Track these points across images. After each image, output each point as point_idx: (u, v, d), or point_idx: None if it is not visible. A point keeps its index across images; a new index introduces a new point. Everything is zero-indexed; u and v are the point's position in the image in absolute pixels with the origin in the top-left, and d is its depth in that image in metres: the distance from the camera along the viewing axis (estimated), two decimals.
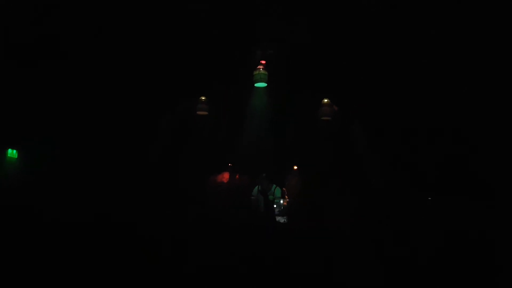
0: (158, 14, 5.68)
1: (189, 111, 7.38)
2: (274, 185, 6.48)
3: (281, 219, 6.06)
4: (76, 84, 6.41)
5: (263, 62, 6.88)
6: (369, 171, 6.46)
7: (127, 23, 5.80)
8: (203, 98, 7.29)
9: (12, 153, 6.53)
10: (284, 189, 6.33)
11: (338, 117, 7.02)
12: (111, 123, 6.68)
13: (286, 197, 6.19)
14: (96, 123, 6.65)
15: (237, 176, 7.37)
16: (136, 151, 6.75)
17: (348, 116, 7.02)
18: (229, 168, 7.26)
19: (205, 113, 7.30)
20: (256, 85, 6.93)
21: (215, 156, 7.24)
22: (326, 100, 7.22)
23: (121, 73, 6.42)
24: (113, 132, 6.67)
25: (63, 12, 5.50)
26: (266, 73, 6.82)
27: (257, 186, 6.47)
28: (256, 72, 6.83)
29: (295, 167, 7.08)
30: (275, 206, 6.33)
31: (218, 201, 6.75)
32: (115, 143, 6.65)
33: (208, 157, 7.25)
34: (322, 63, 6.44)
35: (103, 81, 6.46)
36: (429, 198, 6.15)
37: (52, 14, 5.55)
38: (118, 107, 6.68)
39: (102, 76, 6.41)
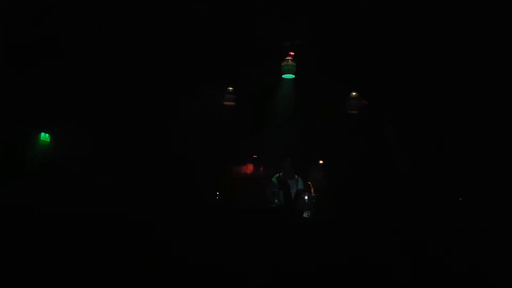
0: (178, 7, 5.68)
1: (215, 102, 7.38)
2: (297, 176, 6.33)
3: (305, 214, 5.96)
4: (96, 78, 6.50)
5: (292, 53, 6.77)
6: (398, 166, 6.28)
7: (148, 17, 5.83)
8: (231, 88, 7.27)
9: (45, 136, 6.72)
10: (309, 182, 6.21)
11: (367, 111, 6.85)
12: (138, 115, 6.76)
13: (312, 191, 6.07)
14: (121, 116, 6.75)
15: (261, 169, 7.35)
16: (158, 143, 6.81)
17: (378, 110, 6.84)
18: (253, 160, 7.25)
19: (232, 103, 7.29)
20: (283, 76, 6.84)
21: (239, 148, 7.23)
22: (354, 94, 7.07)
23: (147, 66, 6.47)
24: (138, 123, 6.74)
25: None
26: (295, 64, 6.71)
27: (277, 174, 6.32)
28: (284, 64, 6.74)
29: (321, 161, 6.97)
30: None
31: (242, 193, 6.74)
32: (139, 135, 6.73)
33: (232, 149, 7.25)
34: (351, 55, 6.28)
35: (127, 75, 6.53)
36: (460, 199, 5.94)
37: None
38: (143, 99, 6.75)
39: (125, 70, 6.47)
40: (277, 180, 6.11)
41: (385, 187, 6.08)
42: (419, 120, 6.38)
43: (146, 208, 4.85)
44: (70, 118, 6.68)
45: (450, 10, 5.09)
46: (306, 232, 4.83)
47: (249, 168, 7.31)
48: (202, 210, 5.14)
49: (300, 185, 6.23)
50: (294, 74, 6.76)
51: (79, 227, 4.24)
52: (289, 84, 7.04)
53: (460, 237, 4.21)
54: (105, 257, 3.89)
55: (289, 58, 6.74)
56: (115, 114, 6.75)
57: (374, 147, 6.70)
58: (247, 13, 5.64)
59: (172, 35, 6.13)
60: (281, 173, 6.24)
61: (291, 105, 7.10)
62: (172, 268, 3.87)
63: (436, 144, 6.30)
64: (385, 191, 6.03)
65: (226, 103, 7.36)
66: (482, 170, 5.84)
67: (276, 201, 5.92)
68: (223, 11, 5.68)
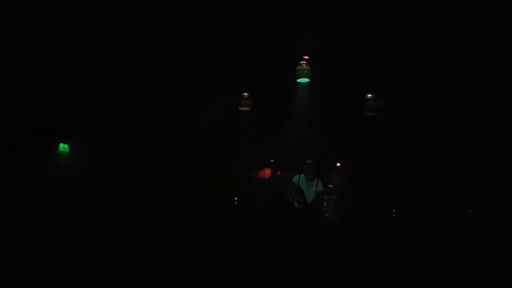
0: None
1: (231, 107, 7.42)
2: (317, 179, 6.32)
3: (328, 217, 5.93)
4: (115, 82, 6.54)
5: (306, 57, 6.80)
6: (419, 168, 6.26)
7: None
8: (246, 94, 7.31)
9: (64, 147, 6.76)
10: (330, 185, 6.21)
11: (385, 112, 6.84)
12: (151, 121, 6.80)
13: (334, 195, 6.06)
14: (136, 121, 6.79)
15: (278, 173, 7.35)
16: (175, 148, 6.84)
17: (397, 110, 6.83)
18: (271, 164, 7.26)
19: (248, 108, 7.32)
20: (298, 80, 6.86)
21: (256, 152, 7.25)
22: (370, 95, 7.07)
23: (164, 71, 6.51)
24: (154, 129, 6.78)
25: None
26: (309, 68, 6.73)
27: (297, 175, 6.28)
28: (298, 68, 6.77)
29: (338, 164, 6.96)
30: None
31: (259, 197, 6.74)
32: (156, 140, 6.77)
33: (249, 153, 7.27)
34: (368, 55, 6.28)
35: (144, 82, 6.57)
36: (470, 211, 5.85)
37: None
38: (159, 104, 6.79)
39: (142, 77, 6.51)
40: (295, 184, 6.13)
41: (405, 187, 6.06)
42: (438, 120, 6.35)
43: (166, 212, 4.89)
44: (88, 127, 6.73)
45: (470, 10, 5.09)
46: (327, 235, 4.83)
47: (267, 172, 7.32)
48: (221, 214, 5.17)
49: (320, 188, 6.22)
50: (309, 78, 6.79)
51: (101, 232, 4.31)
52: (305, 87, 7.06)
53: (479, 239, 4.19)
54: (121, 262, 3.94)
55: (304, 62, 6.77)
56: (133, 121, 6.79)
57: (392, 148, 6.68)
58: (265, 15, 5.66)
59: (187, 42, 6.18)
60: (301, 174, 6.24)
61: (308, 107, 7.13)
62: (191, 272, 3.90)
63: (456, 145, 6.27)
64: (405, 191, 6.02)
65: (241, 108, 7.39)
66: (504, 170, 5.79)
67: (296, 204, 5.94)
68: (238, 14, 5.72)
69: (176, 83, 6.64)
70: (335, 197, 5.95)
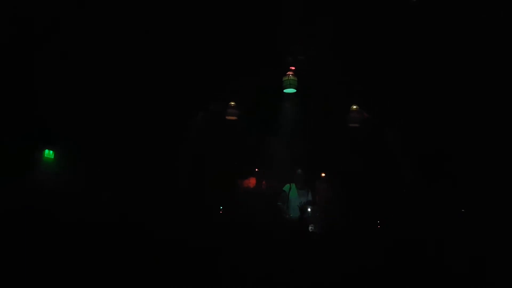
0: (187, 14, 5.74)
1: (218, 116, 7.47)
2: (308, 188, 6.32)
3: (310, 227, 5.95)
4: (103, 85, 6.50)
5: (293, 68, 6.90)
6: (402, 178, 6.37)
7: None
8: (233, 103, 7.36)
9: (48, 153, 6.71)
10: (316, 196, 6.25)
11: (369, 124, 6.96)
12: (139, 127, 6.79)
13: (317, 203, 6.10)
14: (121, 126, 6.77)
15: (263, 182, 7.39)
16: (163, 155, 6.84)
17: (380, 122, 6.95)
18: (256, 174, 7.30)
19: (235, 118, 7.37)
20: (285, 91, 6.95)
21: (242, 161, 7.29)
22: (354, 107, 7.19)
23: (154, 79, 6.53)
24: (140, 135, 6.77)
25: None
26: (296, 79, 6.83)
27: (288, 185, 6.27)
28: (285, 78, 6.85)
29: (323, 174, 7.04)
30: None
31: (245, 207, 6.77)
32: (142, 147, 6.76)
33: (235, 162, 7.31)
34: (352, 68, 6.39)
35: (134, 90, 6.57)
36: (463, 210, 5.99)
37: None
38: (147, 112, 6.79)
39: (132, 85, 6.51)
40: (284, 194, 6.14)
41: (390, 197, 6.16)
42: (423, 130, 6.47)
43: (154, 221, 4.87)
44: (74, 134, 6.69)
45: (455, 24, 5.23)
46: (312, 246, 4.87)
47: (252, 181, 7.36)
48: (210, 224, 5.17)
49: (310, 197, 6.22)
50: (295, 89, 6.88)
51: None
52: (292, 97, 7.15)
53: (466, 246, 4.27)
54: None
55: (290, 73, 6.86)
56: (123, 127, 6.77)
57: (377, 158, 6.78)
58: (255, 23, 5.71)
59: (179, 52, 6.21)
60: (291, 184, 6.24)
61: (295, 118, 7.21)
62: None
63: (440, 153, 6.39)
64: (390, 201, 6.11)
65: (228, 117, 7.44)
66: (486, 178, 5.92)
67: (291, 215, 5.94)
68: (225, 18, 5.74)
69: (164, 89, 6.65)
70: (318, 207, 5.99)
